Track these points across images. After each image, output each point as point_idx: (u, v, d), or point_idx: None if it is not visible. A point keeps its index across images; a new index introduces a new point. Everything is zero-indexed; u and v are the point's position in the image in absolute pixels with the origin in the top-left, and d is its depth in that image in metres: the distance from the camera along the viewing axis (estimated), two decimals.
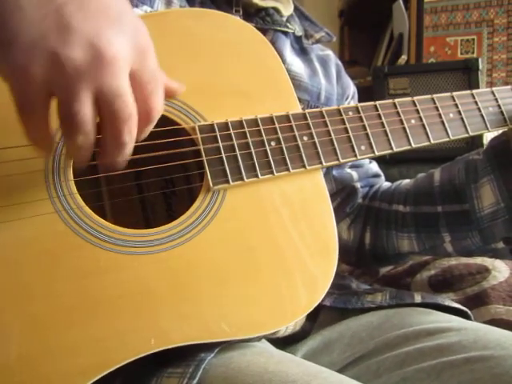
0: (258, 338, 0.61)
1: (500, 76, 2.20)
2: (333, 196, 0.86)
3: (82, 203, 0.51)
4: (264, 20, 0.75)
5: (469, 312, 0.73)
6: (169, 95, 0.49)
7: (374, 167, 0.94)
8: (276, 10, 0.77)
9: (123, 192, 0.63)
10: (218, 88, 0.59)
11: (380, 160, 0.95)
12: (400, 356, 0.63)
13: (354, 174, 0.88)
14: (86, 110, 0.40)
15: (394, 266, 1.05)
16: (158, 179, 0.63)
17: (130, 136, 0.43)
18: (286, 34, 0.78)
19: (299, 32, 0.81)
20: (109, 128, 0.43)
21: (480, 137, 1.66)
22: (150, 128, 0.46)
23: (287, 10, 0.80)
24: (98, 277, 0.49)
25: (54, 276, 0.48)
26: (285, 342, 0.69)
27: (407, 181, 0.87)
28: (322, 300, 0.72)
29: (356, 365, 0.67)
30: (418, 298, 0.73)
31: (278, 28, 0.76)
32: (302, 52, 0.82)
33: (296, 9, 0.84)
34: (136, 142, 0.45)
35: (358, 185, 0.89)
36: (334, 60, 0.89)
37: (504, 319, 0.81)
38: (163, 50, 0.56)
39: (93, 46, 0.39)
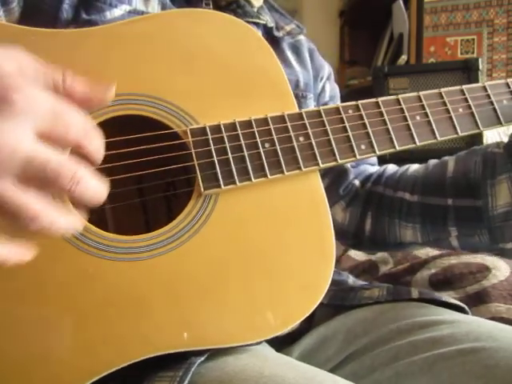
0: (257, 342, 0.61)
1: (500, 76, 2.20)
2: (321, 177, 0.84)
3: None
4: (235, 12, 0.73)
5: (466, 308, 0.72)
6: (97, 102, 0.44)
7: None
8: (247, 1, 0.75)
9: (122, 196, 0.62)
10: (212, 90, 0.57)
11: (380, 159, 0.94)
12: (393, 350, 0.63)
13: None
14: (12, 200, 0.38)
15: (395, 265, 1.05)
16: (153, 183, 0.62)
17: (79, 183, 0.40)
18: (257, 25, 0.76)
19: (271, 23, 0.79)
20: (54, 191, 0.41)
21: (480, 137, 1.66)
22: (98, 144, 0.42)
23: (258, 1, 0.78)
24: (86, 283, 0.49)
25: (44, 282, 0.48)
26: (282, 342, 0.68)
27: (415, 166, 0.82)
28: None
29: (351, 360, 0.66)
30: (415, 294, 0.73)
31: (250, 19, 0.74)
32: (273, 43, 0.77)
33: (265, 1, 0.82)
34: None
35: (348, 164, 0.85)
36: (306, 44, 0.86)
37: (504, 317, 0.81)
38: (157, 54, 0.56)
39: None
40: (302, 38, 0.86)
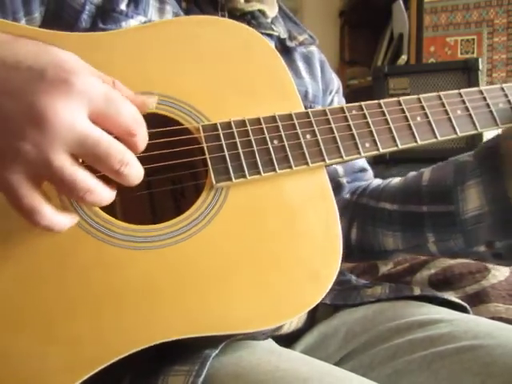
0: (264, 337, 0.61)
1: (500, 76, 2.20)
2: None
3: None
4: (250, 23, 0.75)
5: (467, 307, 0.73)
6: (141, 107, 0.49)
7: (360, 161, 0.92)
8: (261, 12, 0.77)
9: (132, 189, 0.65)
10: (222, 90, 0.60)
11: (380, 160, 0.95)
12: (391, 348, 0.64)
13: (340, 169, 0.87)
14: (69, 170, 0.42)
15: (394, 265, 1.05)
16: (162, 177, 0.64)
17: (126, 166, 0.44)
18: (270, 36, 0.78)
19: (284, 35, 0.81)
20: (103, 169, 0.44)
21: (480, 137, 1.67)
22: (143, 135, 0.47)
23: (272, 11, 0.80)
24: (102, 271, 0.50)
25: (60, 269, 0.50)
26: (286, 340, 0.69)
27: (397, 179, 0.86)
28: (323, 298, 0.73)
29: (350, 358, 0.67)
30: (417, 292, 0.74)
31: (264, 31, 0.76)
32: (285, 53, 0.81)
33: (280, 9, 0.84)
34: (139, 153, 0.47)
35: (344, 180, 0.88)
36: (317, 56, 0.89)
37: (503, 317, 0.81)
38: (169, 56, 0.59)
39: (34, 118, 0.40)
40: (314, 48, 0.88)
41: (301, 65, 0.84)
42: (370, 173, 0.94)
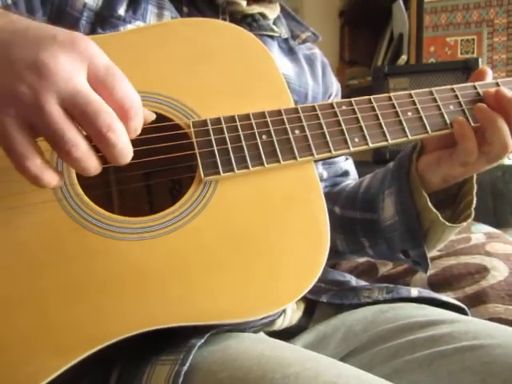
0: (254, 330, 0.62)
1: (500, 76, 2.20)
2: None
3: (81, 192, 0.55)
4: (251, 26, 0.76)
5: (466, 308, 0.74)
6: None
7: (346, 165, 0.93)
8: (262, 14, 0.78)
9: (127, 183, 0.67)
10: (214, 89, 0.61)
11: (380, 160, 0.95)
12: (392, 348, 0.64)
13: (325, 174, 0.88)
14: (59, 119, 0.42)
15: (394, 266, 1.05)
16: (157, 169, 0.66)
17: (114, 132, 0.43)
18: (272, 37, 0.79)
19: (285, 35, 0.82)
20: (89, 131, 0.44)
21: None
22: (137, 122, 0.46)
23: (273, 13, 0.81)
24: (86, 259, 0.52)
25: (51, 258, 0.52)
26: (281, 336, 0.69)
27: (353, 183, 0.88)
28: (319, 296, 0.74)
29: (350, 358, 0.67)
30: (414, 293, 0.74)
31: (264, 32, 0.77)
32: (290, 52, 0.83)
33: (282, 9, 0.85)
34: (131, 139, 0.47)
35: (323, 184, 0.88)
36: (319, 58, 0.90)
37: (502, 318, 0.81)
38: (163, 57, 0.61)
39: (36, 65, 0.42)
40: (317, 51, 0.89)
41: (305, 65, 0.85)
42: (353, 177, 0.94)
